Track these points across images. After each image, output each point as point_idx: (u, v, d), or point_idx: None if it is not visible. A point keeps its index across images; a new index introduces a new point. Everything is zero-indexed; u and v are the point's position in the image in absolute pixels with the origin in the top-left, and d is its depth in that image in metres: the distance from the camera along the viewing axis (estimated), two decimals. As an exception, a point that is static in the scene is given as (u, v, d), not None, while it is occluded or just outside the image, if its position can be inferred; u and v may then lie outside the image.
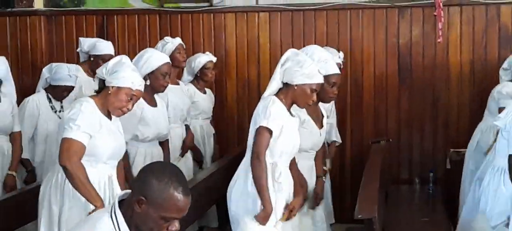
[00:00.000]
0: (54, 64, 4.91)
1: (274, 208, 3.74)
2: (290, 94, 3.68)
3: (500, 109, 4.52)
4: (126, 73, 3.47)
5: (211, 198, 4.67)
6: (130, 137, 4.04)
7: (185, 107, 4.89)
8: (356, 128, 6.07)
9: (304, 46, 4.37)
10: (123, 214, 2.27)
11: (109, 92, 3.44)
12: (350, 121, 6.05)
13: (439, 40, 5.68)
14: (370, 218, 3.61)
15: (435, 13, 5.63)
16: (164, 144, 4.56)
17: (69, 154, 3.26)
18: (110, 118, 3.55)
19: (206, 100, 5.37)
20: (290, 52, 3.89)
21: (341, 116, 5.76)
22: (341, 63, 5.18)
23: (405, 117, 6.13)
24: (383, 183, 4.85)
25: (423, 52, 6.05)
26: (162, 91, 4.45)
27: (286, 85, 3.66)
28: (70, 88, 4.83)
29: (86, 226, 2.36)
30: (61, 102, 4.89)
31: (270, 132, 3.60)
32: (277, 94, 3.69)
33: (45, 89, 4.95)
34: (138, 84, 3.51)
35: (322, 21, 6.13)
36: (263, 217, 3.67)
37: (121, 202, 2.31)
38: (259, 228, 3.75)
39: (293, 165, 3.93)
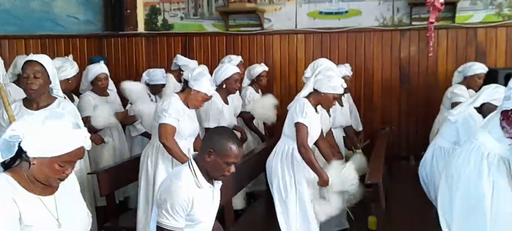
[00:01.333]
0: (151, 70, 5.06)
1: (309, 179, 3.70)
2: (318, 98, 3.66)
3: (453, 104, 4.62)
4: (205, 82, 3.57)
5: (261, 166, 4.33)
6: (214, 124, 4.14)
7: (239, 106, 4.94)
8: (368, 119, 6.06)
9: (330, 60, 4.31)
10: (197, 164, 2.43)
11: (191, 93, 3.54)
12: (364, 114, 6.02)
13: (430, 54, 5.70)
14: (376, 183, 3.67)
15: (427, 35, 5.55)
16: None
17: (166, 135, 3.43)
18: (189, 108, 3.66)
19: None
20: (323, 66, 3.87)
21: (358, 110, 5.72)
22: (349, 74, 5.21)
23: (404, 110, 6.21)
24: (387, 159, 4.86)
25: (418, 63, 6.14)
26: (235, 93, 4.53)
27: (315, 91, 3.65)
28: (163, 85, 4.92)
29: (173, 175, 2.49)
30: (155, 95, 4.97)
31: (306, 126, 3.59)
32: (307, 96, 3.67)
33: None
34: (211, 92, 3.64)
35: (343, 41, 6.25)
36: (323, 183, 3.64)
37: (195, 159, 2.47)
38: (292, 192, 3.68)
39: (321, 141, 3.91)
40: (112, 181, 3.85)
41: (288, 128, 3.71)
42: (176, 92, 3.72)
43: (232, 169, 2.40)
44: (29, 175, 1.80)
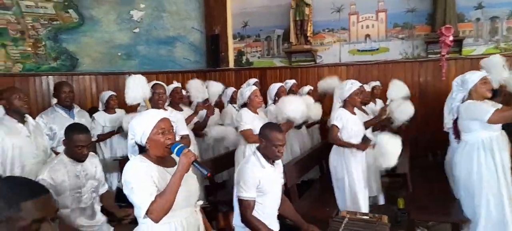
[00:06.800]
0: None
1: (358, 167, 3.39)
2: (348, 104, 3.45)
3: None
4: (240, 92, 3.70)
5: (315, 159, 4.53)
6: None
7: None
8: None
9: (365, 85, 4.24)
10: (260, 152, 2.33)
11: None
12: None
13: (443, 78, 5.54)
14: (405, 173, 3.51)
15: (440, 64, 5.54)
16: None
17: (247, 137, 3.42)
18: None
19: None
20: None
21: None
22: (372, 88, 4.91)
23: (422, 118, 5.62)
24: (411, 155, 4.50)
25: (434, 84, 5.83)
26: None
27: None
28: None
29: (244, 162, 2.35)
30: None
31: (336, 126, 3.36)
32: (343, 106, 3.47)
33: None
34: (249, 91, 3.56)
35: (376, 70, 6.05)
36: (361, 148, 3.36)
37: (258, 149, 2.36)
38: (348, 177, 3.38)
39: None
40: (214, 167, 3.93)
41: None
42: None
43: (282, 149, 2.28)
44: (151, 154, 1.79)
